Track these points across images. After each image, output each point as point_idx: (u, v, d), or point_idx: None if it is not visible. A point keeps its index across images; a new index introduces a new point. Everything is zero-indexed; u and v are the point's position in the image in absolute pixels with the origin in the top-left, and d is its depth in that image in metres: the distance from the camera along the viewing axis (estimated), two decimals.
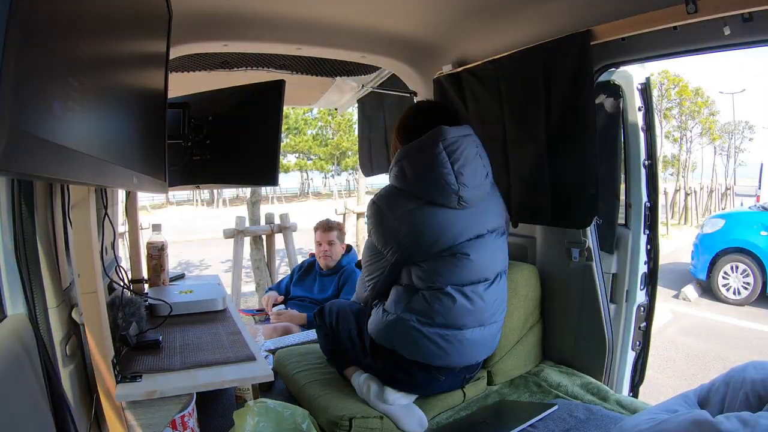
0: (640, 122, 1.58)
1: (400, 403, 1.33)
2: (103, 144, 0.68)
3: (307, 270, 2.59)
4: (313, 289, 2.49)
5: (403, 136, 1.39)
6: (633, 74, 1.57)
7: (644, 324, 1.65)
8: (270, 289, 2.72)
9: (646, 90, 1.59)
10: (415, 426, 1.28)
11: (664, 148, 16.56)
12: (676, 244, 9.32)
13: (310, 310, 2.30)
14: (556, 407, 1.28)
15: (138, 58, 0.89)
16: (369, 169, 2.96)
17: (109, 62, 0.68)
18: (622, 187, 1.66)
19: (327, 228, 2.49)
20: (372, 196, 1.39)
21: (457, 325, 1.29)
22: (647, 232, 1.62)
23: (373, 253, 1.37)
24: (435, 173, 1.25)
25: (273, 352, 1.78)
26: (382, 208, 1.32)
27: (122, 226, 2.30)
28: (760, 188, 9.37)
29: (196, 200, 25.51)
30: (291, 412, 1.17)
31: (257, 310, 2.71)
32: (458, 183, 1.25)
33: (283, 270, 6.37)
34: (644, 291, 1.64)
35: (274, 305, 2.48)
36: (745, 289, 5.25)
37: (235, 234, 4.62)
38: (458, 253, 1.28)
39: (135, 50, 0.86)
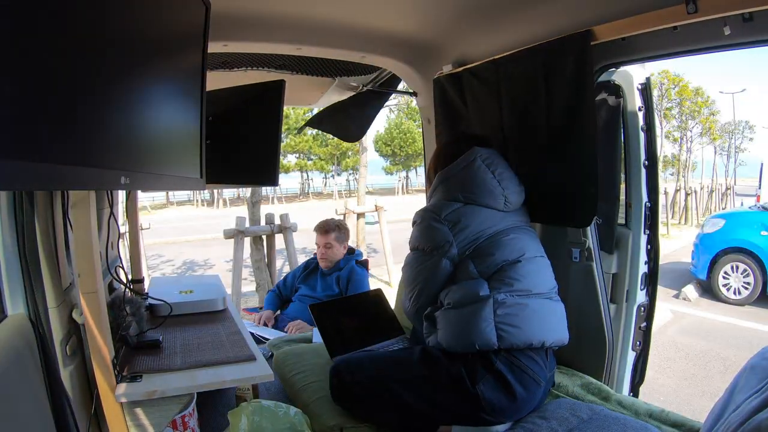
0: (640, 122, 1.58)
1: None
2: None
3: (312, 270, 2.63)
4: (316, 287, 2.53)
5: (441, 166, 1.48)
6: (633, 74, 1.57)
7: (644, 324, 1.64)
8: (267, 304, 2.72)
9: (646, 90, 1.59)
10: None
11: (665, 148, 16.55)
12: (676, 244, 9.32)
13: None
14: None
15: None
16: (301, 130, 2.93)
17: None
18: (622, 187, 1.66)
19: (324, 230, 2.51)
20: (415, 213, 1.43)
21: None
22: (647, 232, 1.61)
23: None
24: (480, 180, 1.37)
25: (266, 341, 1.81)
26: (428, 213, 1.36)
27: (122, 226, 2.30)
28: (760, 188, 9.39)
29: (197, 200, 25.51)
30: (285, 411, 1.17)
31: (260, 309, 2.78)
32: (502, 187, 1.37)
33: (285, 270, 6.37)
34: (644, 291, 1.64)
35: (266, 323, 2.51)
36: (746, 289, 5.25)
37: (236, 234, 4.63)
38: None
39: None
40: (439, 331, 1.30)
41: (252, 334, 2.22)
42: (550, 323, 1.29)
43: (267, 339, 2.10)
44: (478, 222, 1.33)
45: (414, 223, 1.41)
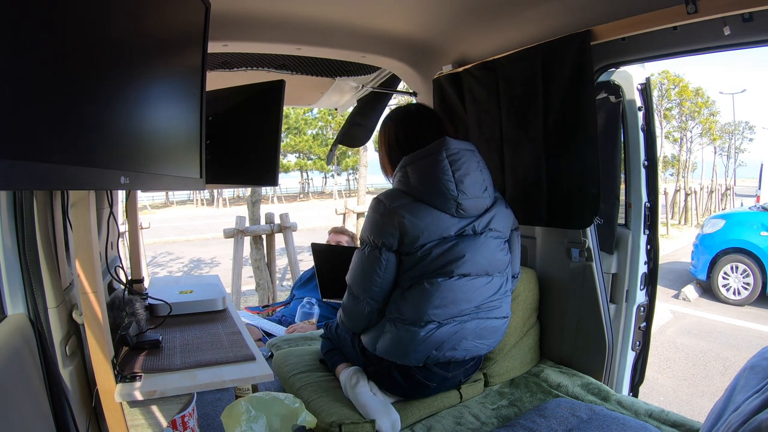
0: (640, 122, 1.58)
1: (382, 398, 1.32)
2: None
3: (309, 279, 2.73)
4: (317, 290, 2.59)
5: (399, 146, 1.41)
6: (633, 74, 1.57)
7: (644, 324, 1.65)
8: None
9: (646, 90, 1.59)
10: (387, 427, 1.24)
11: (665, 148, 16.57)
12: (676, 244, 9.34)
13: (308, 306, 2.43)
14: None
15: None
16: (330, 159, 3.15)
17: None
18: (622, 187, 1.66)
19: (339, 231, 2.88)
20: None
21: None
22: (647, 232, 1.62)
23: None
24: (436, 178, 1.27)
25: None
26: (383, 201, 1.30)
27: (122, 226, 2.31)
28: (760, 188, 9.39)
29: (197, 200, 25.53)
30: (279, 400, 1.15)
31: (263, 307, 2.91)
32: (458, 190, 1.27)
33: (288, 270, 6.38)
34: (644, 291, 1.64)
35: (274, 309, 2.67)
36: (745, 289, 5.26)
37: (236, 233, 4.63)
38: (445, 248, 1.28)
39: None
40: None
41: (257, 327, 2.28)
42: None
43: (273, 334, 2.22)
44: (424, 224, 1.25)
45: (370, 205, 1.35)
